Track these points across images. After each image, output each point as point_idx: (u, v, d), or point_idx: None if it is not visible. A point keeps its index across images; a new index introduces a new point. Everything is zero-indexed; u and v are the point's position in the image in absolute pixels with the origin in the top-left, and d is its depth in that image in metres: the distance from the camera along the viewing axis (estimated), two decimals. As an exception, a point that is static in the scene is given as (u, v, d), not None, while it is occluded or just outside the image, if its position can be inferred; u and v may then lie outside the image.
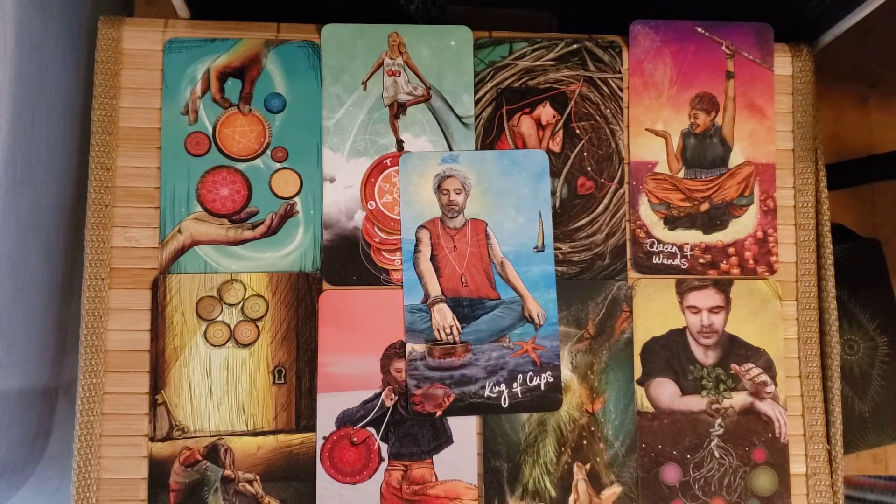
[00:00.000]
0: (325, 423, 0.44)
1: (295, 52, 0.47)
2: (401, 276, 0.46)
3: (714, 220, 0.50)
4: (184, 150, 0.46)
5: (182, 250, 0.45)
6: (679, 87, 0.50)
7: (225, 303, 0.45)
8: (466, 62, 0.48)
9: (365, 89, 0.47)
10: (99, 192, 0.45)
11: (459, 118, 0.47)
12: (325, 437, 0.44)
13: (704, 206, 0.49)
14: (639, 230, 0.48)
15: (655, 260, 0.49)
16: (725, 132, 0.50)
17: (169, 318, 0.45)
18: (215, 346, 0.45)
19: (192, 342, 0.44)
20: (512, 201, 0.47)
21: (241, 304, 0.45)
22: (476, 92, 0.48)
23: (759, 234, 0.50)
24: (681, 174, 0.49)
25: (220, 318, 0.45)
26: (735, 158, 0.50)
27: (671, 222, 0.49)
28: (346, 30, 0.47)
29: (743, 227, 0.50)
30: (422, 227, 0.46)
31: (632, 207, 0.48)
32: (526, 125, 0.48)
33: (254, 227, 0.46)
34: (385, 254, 0.46)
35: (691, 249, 0.49)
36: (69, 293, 0.50)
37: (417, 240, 0.46)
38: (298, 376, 0.45)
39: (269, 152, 0.46)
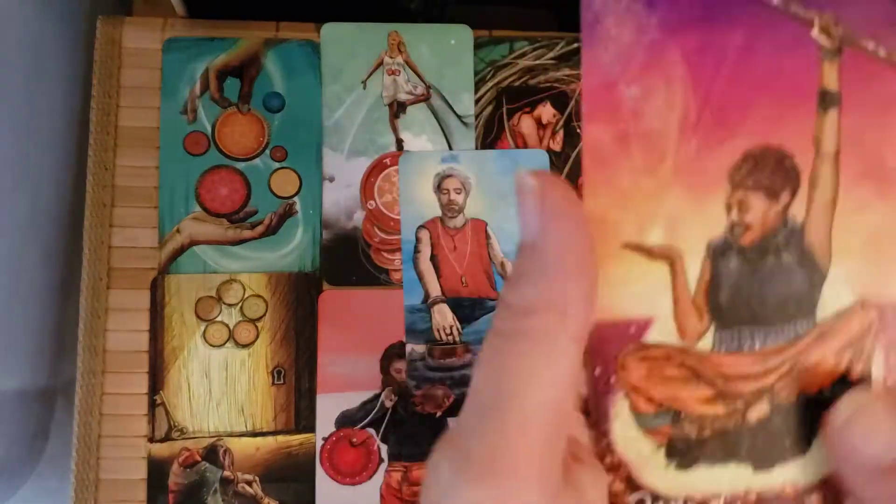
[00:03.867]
0: (325, 423, 0.44)
1: (294, 52, 0.47)
2: (401, 276, 0.46)
3: (778, 439, 0.22)
4: (182, 149, 0.45)
5: (181, 250, 0.45)
6: (705, 136, 0.20)
7: (224, 303, 0.45)
8: (466, 61, 0.47)
9: (364, 88, 0.47)
10: (97, 192, 0.45)
11: (459, 117, 0.47)
12: (324, 438, 0.44)
13: (758, 412, 0.21)
14: (609, 473, 0.21)
15: None
16: (812, 237, 0.21)
17: (168, 318, 0.44)
18: (214, 346, 0.44)
19: (191, 342, 0.44)
20: (512, 201, 0.47)
21: (240, 305, 0.45)
22: (476, 91, 0.47)
23: None
24: (707, 341, 0.21)
25: (219, 319, 0.45)
26: (834, 297, 0.21)
27: (681, 454, 0.21)
28: (346, 29, 0.47)
29: None
30: (422, 226, 0.46)
31: (594, 425, 0.21)
32: (526, 124, 0.48)
33: (253, 226, 0.45)
34: (385, 254, 0.46)
35: None
36: (67, 293, 0.49)
37: (417, 240, 0.46)
38: (298, 377, 0.45)
39: (268, 152, 0.46)
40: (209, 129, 0.46)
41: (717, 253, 0.20)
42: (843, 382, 0.21)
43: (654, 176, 0.20)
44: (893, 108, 0.20)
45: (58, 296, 0.49)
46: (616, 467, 0.21)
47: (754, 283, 0.21)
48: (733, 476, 0.21)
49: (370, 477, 0.44)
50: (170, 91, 0.46)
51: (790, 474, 0.21)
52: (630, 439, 0.21)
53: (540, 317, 0.18)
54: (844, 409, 0.20)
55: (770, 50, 0.19)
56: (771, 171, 0.20)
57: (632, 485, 0.21)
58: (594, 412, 0.21)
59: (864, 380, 0.21)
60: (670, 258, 0.20)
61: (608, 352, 0.20)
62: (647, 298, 0.20)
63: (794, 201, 0.20)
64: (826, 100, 0.20)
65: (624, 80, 0.19)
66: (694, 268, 0.20)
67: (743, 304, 0.21)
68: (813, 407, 0.21)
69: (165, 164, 0.45)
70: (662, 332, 0.20)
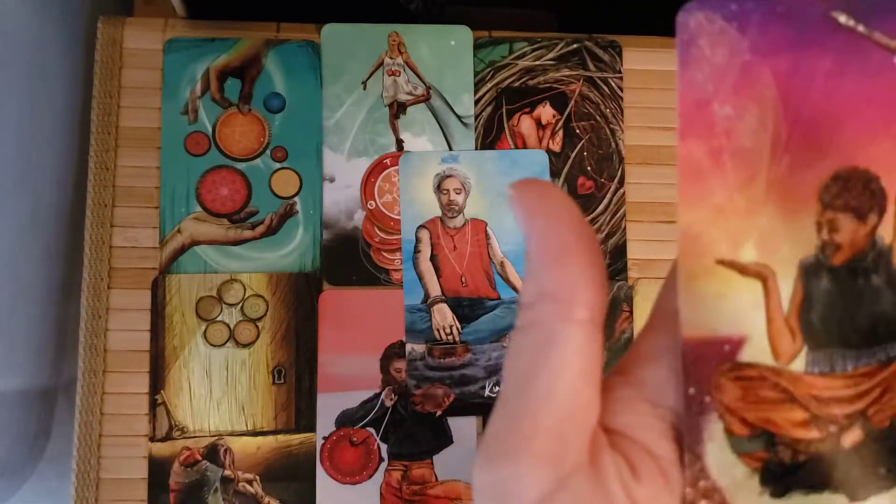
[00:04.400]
0: (325, 423, 0.44)
1: (295, 52, 0.47)
2: (401, 276, 0.46)
3: (873, 466, 0.21)
4: (183, 149, 0.46)
5: (182, 250, 0.45)
6: (796, 155, 0.21)
7: (225, 303, 0.45)
8: (466, 62, 0.48)
9: (365, 89, 0.47)
10: (98, 192, 0.45)
11: (459, 118, 0.47)
12: (324, 438, 0.44)
13: (852, 437, 0.21)
14: (703, 503, 0.20)
15: None
16: None
17: (168, 318, 0.44)
18: (215, 346, 0.44)
19: (192, 342, 0.44)
20: (512, 201, 0.47)
21: (240, 304, 0.45)
22: (476, 91, 0.48)
23: None
24: (799, 363, 0.21)
25: (219, 318, 0.45)
26: None
27: (775, 478, 0.21)
28: (346, 29, 0.47)
29: None
30: (421, 226, 0.46)
31: (688, 448, 0.20)
32: (526, 125, 0.48)
33: (253, 226, 0.46)
34: (385, 254, 0.46)
35: None
36: (68, 293, 0.49)
37: (417, 240, 0.46)
38: (298, 376, 0.45)
39: (268, 152, 0.46)
40: (210, 129, 0.46)
41: (809, 272, 0.20)
42: None
43: (746, 193, 0.20)
44: None
45: (59, 295, 0.49)
46: (710, 493, 0.20)
47: (845, 305, 0.21)
48: None
49: (370, 476, 0.44)
50: (171, 91, 0.46)
51: (886, 503, 0.21)
52: (724, 464, 0.20)
53: (538, 307, 0.19)
54: None
55: (858, 75, 0.20)
56: (859, 192, 0.20)
57: None
58: (687, 434, 0.20)
59: None
60: (763, 276, 0.20)
61: (702, 371, 0.20)
62: (741, 316, 0.20)
63: (881, 223, 0.20)
64: None
65: (717, 100, 0.20)
66: (786, 286, 0.20)
67: (835, 324, 0.21)
68: None
69: (166, 165, 0.45)
70: (756, 353, 0.20)
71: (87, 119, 0.46)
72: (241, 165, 0.46)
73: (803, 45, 0.20)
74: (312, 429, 0.44)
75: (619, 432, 0.20)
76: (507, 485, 0.18)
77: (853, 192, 0.20)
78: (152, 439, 0.44)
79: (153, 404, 0.44)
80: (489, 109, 0.48)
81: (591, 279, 0.19)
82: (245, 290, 0.45)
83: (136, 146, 0.46)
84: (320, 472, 0.44)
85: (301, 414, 0.45)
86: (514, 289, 0.46)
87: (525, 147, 0.48)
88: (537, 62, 0.48)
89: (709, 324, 0.20)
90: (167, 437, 0.44)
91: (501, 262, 0.47)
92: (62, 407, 0.51)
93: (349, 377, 0.45)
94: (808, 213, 0.20)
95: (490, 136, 0.48)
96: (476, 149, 0.47)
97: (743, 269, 0.20)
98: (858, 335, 0.21)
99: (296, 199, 0.46)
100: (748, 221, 0.20)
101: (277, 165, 0.46)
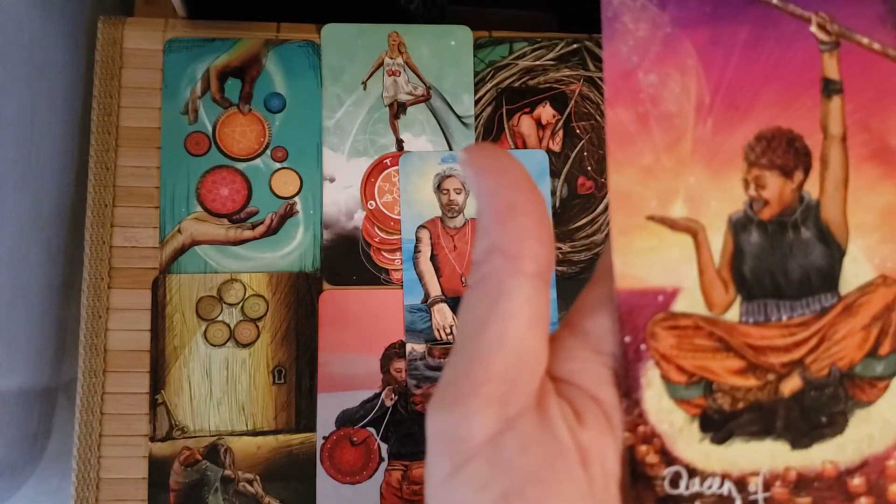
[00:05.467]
0: (325, 422, 0.44)
1: (295, 52, 0.47)
2: (401, 275, 0.46)
3: (813, 414, 0.22)
4: (184, 149, 0.46)
5: (182, 250, 0.45)
6: (719, 118, 0.22)
7: (225, 303, 0.45)
8: (466, 62, 0.48)
9: (365, 89, 0.47)
10: (99, 192, 0.45)
11: (459, 118, 0.47)
12: (324, 437, 0.44)
13: (791, 385, 0.22)
14: (642, 448, 0.21)
15: None
16: (828, 213, 0.22)
17: (169, 317, 0.44)
18: (215, 345, 0.44)
19: (192, 342, 0.44)
20: (512, 201, 0.47)
21: (240, 304, 0.45)
22: (476, 92, 0.48)
23: None
24: (733, 313, 0.22)
25: (219, 318, 0.45)
26: (854, 272, 0.22)
27: (716, 425, 0.21)
28: (346, 30, 0.47)
29: (880, 426, 0.22)
30: (422, 226, 0.46)
31: (626, 394, 0.21)
32: (526, 125, 0.48)
33: (254, 226, 0.46)
34: (385, 254, 0.46)
35: (765, 487, 0.21)
36: (69, 293, 0.50)
37: (417, 239, 0.46)
38: (298, 376, 0.45)
39: (268, 152, 0.46)
40: (210, 129, 0.46)
41: (738, 226, 0.22)
42: (874, 357, 0.21)
43: (673, 154, 0.21)
44: (892, 96, 0.21)
45: (59, 295, 0.49)
46: (649, 438, 0.21)
47: (776, 257, 0.22)
48: (771, 452, 0.21)
49: (370, 476, 0.45)
50: (171, 91, 0.46)
51: (829, 453, 0.21)
52: (662, 410, 0.21)
53: (488, 262, 0.20)
54: None
55: (774, 43, 0.21)
56: (783, 150, 0.22)
57: (666, 458, 0.21)
58: (624, 380, 0.21)
59: (894, 355, 0.22)
60: (693, 230, 0.21)
61: (637, 320, 0.21)
62: (673, 268, 0.21)
63: (807, 180, 0.22)
64: (829, 88, 0.21)
65: (642, 69, 0.21)
66: (716, 241, 0.21)
67: (766, 276, 0.22)
68: (847, 383, 0.21)
69: (166, 165, 0.45)
70: (690, 303, 0.21)
71: (88, 119, 0.46)
72: (241, 165, 0.46)
73: (721, 17, 0.21)
74: (312, 429, 0.44)
75: (564, 379, 0.21)
76: (457, 426, 0.19)
77: (777, 150, 0.21)
78: (152, 439, 0.44)
79: (153, 404, 0.44)
80: (489, 109, 0.48)
81: (538, 234, 0.20)
82: (245, 290, 0.45)
83: (137, 146, 0.46)
84: (320, 472, 0.44)
85: (301, 414, 0.45)
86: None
87: (525, 147, 0.48)
88: (537, 62, 0.48)
89: (641, 275, 0.21)
90: (167, 437, 0.44)
91: (501, 262, 0.46)
92: (62, 407, 0.51)
93: (349, 377, 0.45)
94: (734, 171, 0.21)
95: (490, 136, 0.48)
96: (476, 149, 0.47)
97: (673, 225, 0.21)
98: (792, 286, 0.21)
99: (296, 199, 0.46)
100: (676, 180, 0.21)
101: (277, 165, 0.46)
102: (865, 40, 0.22)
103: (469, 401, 0.19)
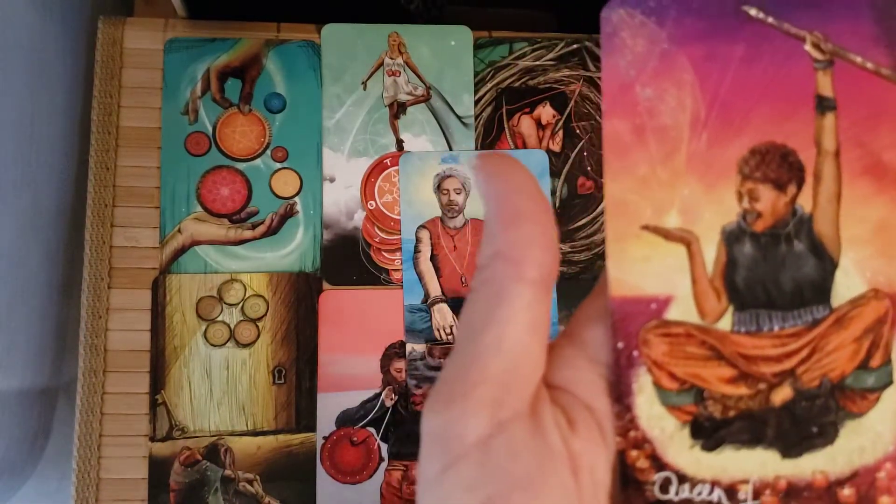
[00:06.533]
0: (325, 422, 0.44)
1: (295, 52, 0.47)
2: (401, 276, 0.46)
3: (804, 424, 0.22)
4: (184, 149, 0.46)
5: (182, 250, 0.45)
6: (714, 132, 0.22)
7: (225, 303, 0.45)
8: (466, 62, 0.48)
9: (365, 89, 0.47)
10: (99, 192, 0.45)
11: (459, 118, 0.47)
12: (325, 437, 0.44)
13: (782, 395, 0.22)
14: (632, 453, 0.21)
15: None
16: (821, 227, 0.22)
17: (169, 317, 0.44)
18: (215, 346, 0.44)
19: (192, 342, 0.44)
20: (512, 201, 0.47)
21: (241, 304, 0.45)
22: (476, 92, 0.48)
23: None
24: (725, 322, 0.22)
25: (220, 318, 0.45)
26: (846, 285, 0.22)
27: (706, 433, 0.22)
28: (346, 30, 0.47)
29: (871, 437, 0.22)
30: (422, 226, 0.46)
31: (617, 399, 0.22)
32: (526, 125, 0.48)
33: (254, 227, 0.46)
34: (385, 254, 0.46)
35: (755, 495, 0.21)
36: (69, 293, 0.49)
37: (417, 240, 0.46)
38: (298, 376, 0.45)
39: (269, 152, 0.46)
40: (210, 129, 0.46)
41: (732, 237, 0.22)
42: (865, 369, 0.22)
43: (668, 165, 0.22)
44: (885, 114, 0.22)
45: (59, 295, 0.49)
46: (640, 443, 0.21)
47: (769, 268, 0.22)
48: (761, 461, 0.21)
49: (370, 476, 0.45)
50: (171, 91, 0.46)
51: (820, 463, 0.21)
52: (654, 416, 0.21)
53: (492, 267, 0.20)
54: None
55: (769, 61, 0.22)
56: (777, 164, 0.22)
57: (657, 463, 0.21)
58: (617, 386, 0.21)
59: (885, 367, 0.22)
60: (687, 240, 0.22)
61: (630, 327, 0.22)
62: (667, 277, 0.22)
63: (800, 194, 0.22)
64: (822, 104, 0.22)
65: (639, 83, 0.22)
66: (710, 251, 0.22)
67: (759, 286, 0.22)
68: (838, 394, 0.21)
69: (167, 165, 0.45)
70: (682, 311, 0.22)
71: (88, 119, 0.46)
72: (241, 165, 0.46)
73: (717, 34, 0.22)
74: (313, 429, 0.44)
75: (560, 387, 0.21)
76: (450, 426, 0.20)
77: (771, 164, 0.22)
78: (152, 439, 0.44)
79: (153, 404, 0.44)
80: (489, 109, 0.48)
81: (543, 242, 0.20)
82: (245, 290, 0.45)
83: (137, 146, 0.46)
84: (320, 472, 0.44)
85: (301, 414, 0.45)
86: (514, 289, 0.46)
87: (525, 147, 0.48)
88: (537, 62, 0.48)
89: (635, 283, 0.22)
90: (167, 437, 0.44)
91: (501, 262, 0.46)
92: (62, 407, 0.51)
93: (349, 377, 0.45)
94: (728, 184, 0.22)
95: (490, 137, 0.48)
96: (476, 149, 0.47)
97: (667, 235, 0.22)
98: (784, 297, 0.22)
99: (296, 199, 0.46)
100: (671, 191, 0.22)
101: (278, 165, 0.46)
102: (859, 59, 0.22)
103: (463, 402, 0.19)
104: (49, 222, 0.47)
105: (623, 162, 0.22)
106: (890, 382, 0.22)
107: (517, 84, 0.48)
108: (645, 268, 0.22)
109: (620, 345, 0.21)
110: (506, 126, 0.48)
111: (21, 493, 0.49)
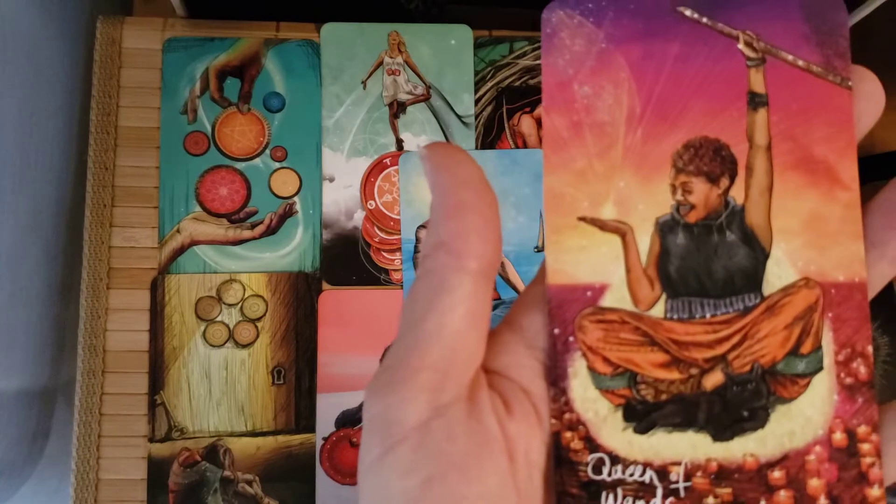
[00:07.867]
0: (325, 423, 0.44)
1: (294, 52, 0.47)
2: (400, 276, 0.46)
3: (735, 408, 0.23)
4: (183, 149, 0.45)
5: (181, 250, 0.45)
6: (649, 127, 0.23)
7: (224, 303, 0.45)
8: (466, 61, 0.48)
9: (364, 88, 0.47)
10: (98, 192, 0.45)
11: (459, 117, 0.47)
12: (324, 438, 0.44)
13: (713, 380, 0.23)
14: (567, 434, 0.22)
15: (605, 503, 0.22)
16: (753, 218, 0.23)
17: (168, 318, 0.44)
18: (214, 346, 0.44)
19: (191, 342, 0.44)
20: (512, 201, 0.47)
21: (240, 305, 0.45)
22: (476, 91, 0.48)
23: (839, 436, 0.22)
24: (658, 309, 0.23)
25: (219, 319, 0.45)
26: (777, 274, 0.23)
27: (639, 415, 0.23)
28: (346, 29, 0.47)
29: (801, 422, 0.22)
30: (422, 226, 0.46)
31: (553, 382, 0.22)
32: (526, 124, 0.48)
33: (253, 226, 0.45)
34: (385, 254, 0.46)
35: (686, 477, 0.22)
36: (68, 293, 0.49)
37: (417, 239, 0.46)
38: (298, 377, 0.45)
39: (268, 152, 0.46)
40: (209, 129, 0.46)
41: (665, 228, 0.23)
42: (796, 355, 0.22)
43: (605, 159, 0.23)
44: (815, 110, 0.23)
45: (58, 296, 0.49)
46: (574, 425, 0.22)
47: (701, 257, 0.23)
48: (692, 443, 0.22)
49: (370, 477, 0.44)
50: (170, 91, 0.46)
51: (750, 446, 0.22)
52: (588, 399, 0.22)
53: (434, 257, 0.21)
54: None
55: (703, 59, 0.23)
56: (710, 158, 0.23)
57: (590, 445, 0.22)
58: (552, 370, 0.22)
59: (816, 353, 0.22)
60: (621, 231, 0.23)
61: (566, 314, 0.23)
62: (602, 266, 0.23)
63: (733, 186, 0.23)
64: (755, 101, 0.23)
65: (577, 81, 0.23)
66: (644, 241, 0.23)
67: (691, 275, 0.23)
68: (769, 380, 0.22)
69: (165, 164, 0.45)
70: (617, 298, 0.23)
71: (87, 119, 0.46)
72: (240, 165, 0.46)
73: (653, 34, 0.23)
74: (312, 429, 0.44)
75: (498, 372, 0.22)
76: (390, 412, 0.20)
77: (704, 158, 0.23)
78: (151, 440, 0.44)
79: (152, 405, 0.44)
80: (489, 109, 0.48)
81: (485, 234, 0.21)
82: (244, 290, 0.45)
83: (136, 146, 0.45)
84: (320, 473, 0.44)
85: (301, 414, 0.45)
86: (515, 289, 0.46)
87: (525, 147, 0.48)
88: (538, 61, 0.48)
89: (571, 272, 0.23)
90: (166, 438, 0.44)
91: (502, 261, 0.46)
92: (61, 407, 0.50)
93: (349, 377, 0.45)
94: (662, 177, 0.23)
95: (490, 136, 0.47)
96: (476, 148, 0.47)
97: (602, 225, 0.23)
98: (716, 285, 0.23)
99: (295, 198, 0.46)
100: (607, 184, 0.23)
101: (277, 165, 0.46)
102: (790, 57, 0.23)
103: (403, 387, 0.20)
104: (48, 222, 0.47)
105: (561, 156, 0.23)
106: (820, 368, 0.22)
107: (517, 83, 0.48)
108: (581, 257, 0.23)
109: (557, 331, 0.22)
110: (506, 125, 0.48)
111: (20, 494, 0.48)
